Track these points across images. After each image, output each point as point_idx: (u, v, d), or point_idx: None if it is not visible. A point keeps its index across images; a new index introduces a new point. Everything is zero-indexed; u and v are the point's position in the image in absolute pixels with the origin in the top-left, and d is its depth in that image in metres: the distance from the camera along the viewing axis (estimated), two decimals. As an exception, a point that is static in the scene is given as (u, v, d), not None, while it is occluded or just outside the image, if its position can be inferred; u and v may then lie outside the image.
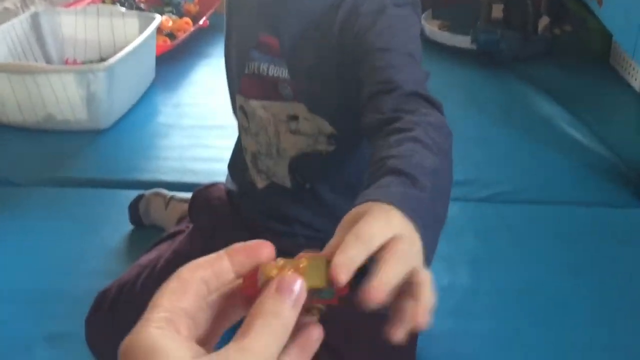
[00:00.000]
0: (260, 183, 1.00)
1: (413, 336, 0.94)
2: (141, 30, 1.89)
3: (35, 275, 1.20)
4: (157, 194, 1.33)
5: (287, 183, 0.98)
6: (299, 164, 0.96)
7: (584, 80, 1.98)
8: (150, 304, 0.32)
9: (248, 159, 1.01)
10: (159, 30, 2.06)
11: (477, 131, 1.71)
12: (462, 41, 2.16)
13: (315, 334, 0.34)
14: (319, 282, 0.34)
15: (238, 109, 1.00)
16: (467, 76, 2.07)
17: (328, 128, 0.93)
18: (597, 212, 1.40)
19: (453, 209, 1.28)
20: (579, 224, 1.37)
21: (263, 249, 0.36)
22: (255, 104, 0.95)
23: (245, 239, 1.15)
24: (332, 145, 0.94)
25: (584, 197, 1.46)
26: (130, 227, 1.34)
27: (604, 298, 1.16)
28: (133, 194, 1.38)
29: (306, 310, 0.33)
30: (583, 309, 1.13)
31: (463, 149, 1.58)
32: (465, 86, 1.99)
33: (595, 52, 2.13)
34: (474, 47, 2.13)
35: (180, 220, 1.23)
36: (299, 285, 0.32)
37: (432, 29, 2.24)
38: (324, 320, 0.35)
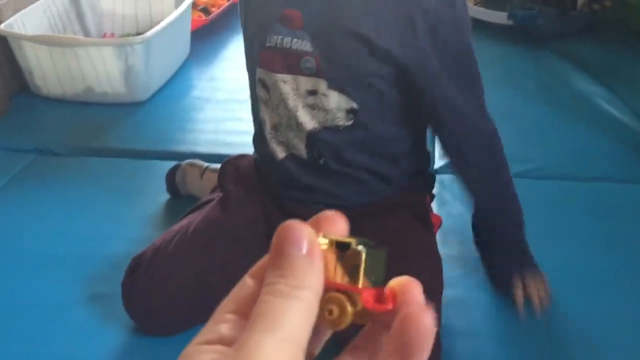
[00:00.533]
0: (280, 154, 1.02)
1: (438, 299, 0.95)
2: (177, 5, 1.92)
3: (75, 241, 1.24)
4: (193, 165, 1.36)
5: (304, 155, 1.00)
6: (316, 138, 0.97)
7: (622, 57, 1.94)
8: None
9: (268, 130, 1.03)
10: (194, 5, 2.08)
11: (512, 107, 1.69)
12: (498, 17, 2.13)
13: (423, 324, 0.23)
14: (377, 275, 0.24)
15: (257, 82, 1.02)
16: (502, 52, 2.04)
17: (347, 103, 0.94)
18: (631, 188, 1.39)
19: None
20: (614, 200, 1.35)
21: None
22: (276, 77, 0.97)
23: (270, 207, 1.17)
24: (350, 120, 0.95)
25: (619, 173, 1.44)
26: (166, 196, 1.37)
27: (638, 274, 1.15)
28: (169, 164, 1.41)
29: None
30: (616, 284, 1.13)
31: (498, 125, 1.57)
32: (501, 62, 1.97)
33: (634, 28, 2.08)
34: (510, 22, 2.10)
35: (214, 190, 1.26)
36: (306, 230, 0.23)
37: (468, 4, 2.21)
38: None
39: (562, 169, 1.46)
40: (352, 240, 0.23)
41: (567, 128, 1.62)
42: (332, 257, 0.23)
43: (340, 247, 0.23)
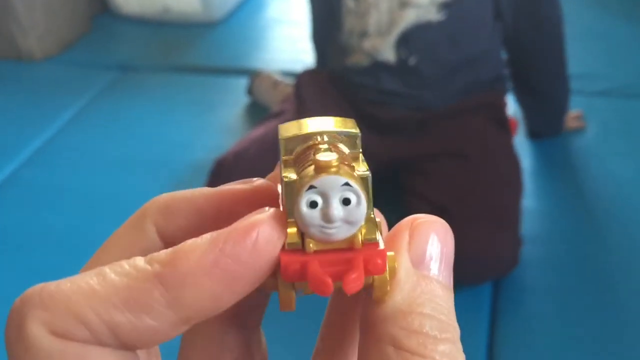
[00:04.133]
0: (363, 62, 1.03)
1: (517, 199, 0.95)
2: None
3: (159, 148, 1.30)
4: (269, 75, 1.39)
5: (391, 59, 1.00)
6: (408, 38, 0.98)
7: None
8: None
9: (350, 41, 1.04)
10: None
11: (598, 26, 1.63)
12: None
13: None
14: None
15: None
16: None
17: None
18: None
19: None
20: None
21: None
22: None
23: (346, 110, 1.20)
24: (442, 14, 0.95)
25: None
26: (242, 108, 1.41)
27: None
28: (244, 81, 1.44)
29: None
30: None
31: (582, 43, 1.52)
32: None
33: None
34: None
35: (284, 100, 1.30)
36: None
37: None
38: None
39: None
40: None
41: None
42: None
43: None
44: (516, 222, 0.93)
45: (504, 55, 1.11)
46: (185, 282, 0.14)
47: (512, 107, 1.21)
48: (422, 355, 0.15)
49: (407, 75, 1.01)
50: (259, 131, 1.14)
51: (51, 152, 1.30)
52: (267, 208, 0.16)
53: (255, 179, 0.19)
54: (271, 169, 0.20)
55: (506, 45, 1.08)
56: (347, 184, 0.15)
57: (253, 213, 0.16)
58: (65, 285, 0.15)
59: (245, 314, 0.19)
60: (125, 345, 0.15)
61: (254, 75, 1.42)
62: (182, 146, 1.30)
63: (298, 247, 0.15)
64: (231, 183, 0.18)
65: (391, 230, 0.17)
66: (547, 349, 0.86)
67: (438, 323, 0.15)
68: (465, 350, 0.17)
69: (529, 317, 0.91)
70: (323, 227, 0.15)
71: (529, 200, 1.08)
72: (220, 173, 1.09)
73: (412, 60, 1.00)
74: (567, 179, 1.18)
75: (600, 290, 0.94)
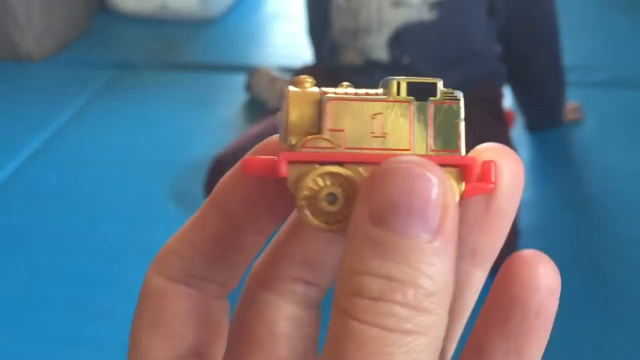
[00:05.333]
0: (356, 60, 1.03)
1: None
2: None
3: (158, 145, 1.30)
4: (267, 72, 1.39)
5: (384, 58, 1.00)
6: (400, 37, 0.98)
7: None
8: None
9: (343, 40, 1.04)
10: None
11: (595, 17, 1.64)
12: None
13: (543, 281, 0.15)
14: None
15: None
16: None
17: None
18: None
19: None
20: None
21: None
22: None
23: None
24: (434, 13, 0.95)
25: None
26: (241, 105, 1.41)
27: None
28: (242, 78, 1.44)
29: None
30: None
31: (580, 34, 1.52)
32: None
33: None
34: None
35: (281, 97, 1.30)
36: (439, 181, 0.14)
37: None
38: None
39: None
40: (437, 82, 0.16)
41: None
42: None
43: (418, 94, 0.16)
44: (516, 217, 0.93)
45: (499, 50, 1.11)
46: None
47: (508, 99, 1.21)
48: (358, 319, 0.13)
49: (400, 73, 1.01)
50: (258, 127, 1.15)
51: (51, 152, 1.30)
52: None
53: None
54: None
55: (501, 40, 1.08)
56: None
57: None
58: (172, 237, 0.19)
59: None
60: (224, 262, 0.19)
61: (252, 71, 1.42)
62: (181, 143, 1.30)
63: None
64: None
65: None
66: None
67: (384, 283, 0.14)
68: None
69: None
70: None
71: (527, 192, 1.08)
72: (218, 170, 1.09)
73: (405, 59, 1.01)
74: (566, 171, 1.18)
75: (599, 281, 0.94)
